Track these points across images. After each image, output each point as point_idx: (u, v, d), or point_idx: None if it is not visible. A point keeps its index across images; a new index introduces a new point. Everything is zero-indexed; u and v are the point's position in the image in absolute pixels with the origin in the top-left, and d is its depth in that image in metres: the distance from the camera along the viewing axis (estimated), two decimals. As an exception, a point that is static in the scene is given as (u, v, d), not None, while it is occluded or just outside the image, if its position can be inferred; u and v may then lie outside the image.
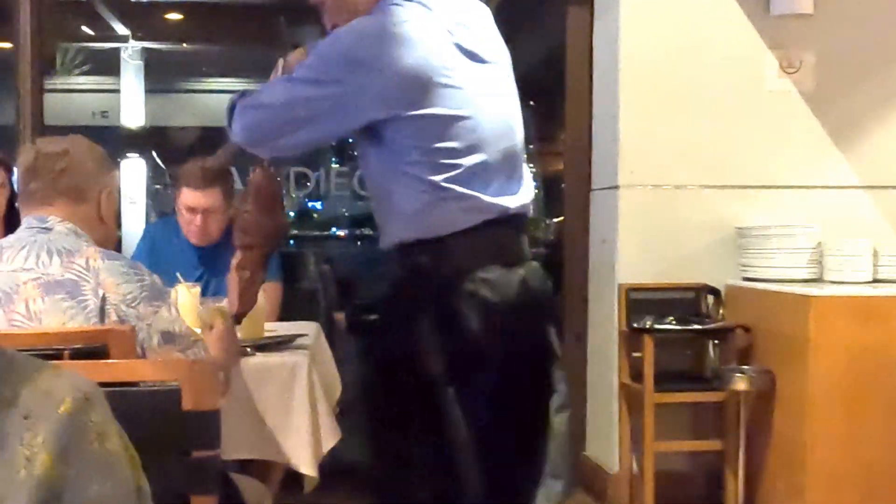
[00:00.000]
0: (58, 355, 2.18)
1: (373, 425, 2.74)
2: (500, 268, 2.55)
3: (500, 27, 2.73)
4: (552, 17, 5.38)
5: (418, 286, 2.59)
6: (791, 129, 4.72)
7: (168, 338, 2.56)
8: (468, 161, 2.53)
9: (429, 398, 2.54)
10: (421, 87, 2.51)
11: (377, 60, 2.51)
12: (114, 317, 2.48)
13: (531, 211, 2.71)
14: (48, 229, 2.60)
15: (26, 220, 2.65)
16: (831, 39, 4.69)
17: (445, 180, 2.51)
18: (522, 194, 2.64)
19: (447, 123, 2.53)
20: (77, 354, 2.21)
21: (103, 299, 2.48)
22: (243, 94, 2.75)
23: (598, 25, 4.95)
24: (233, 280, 3.09)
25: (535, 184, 12.39)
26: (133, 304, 2.52)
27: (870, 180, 4.75)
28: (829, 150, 4.73)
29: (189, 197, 4.16)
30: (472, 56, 2.62)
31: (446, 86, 2.53)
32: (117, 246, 7.74)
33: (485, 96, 2.60)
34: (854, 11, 4.71)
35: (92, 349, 2.24)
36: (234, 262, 2.93)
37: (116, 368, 2.07)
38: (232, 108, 2.71)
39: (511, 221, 2.61)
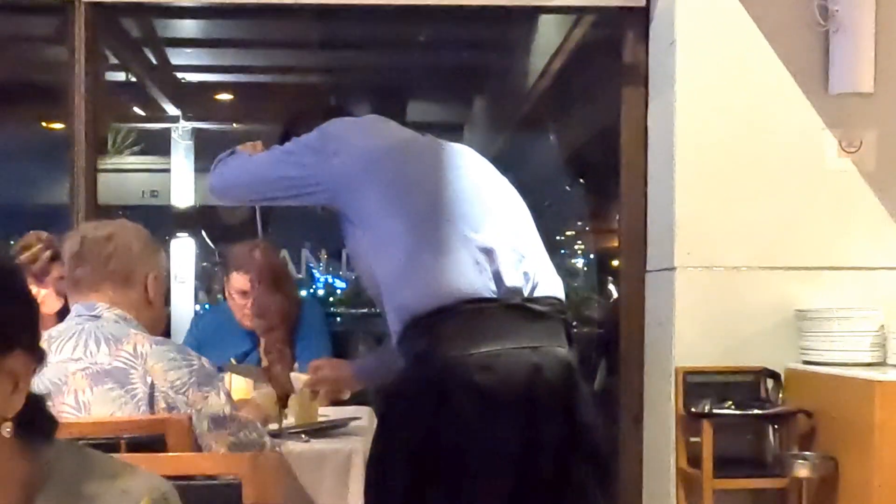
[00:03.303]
0: (114, 445, 2.14)
1: None
2: (503, 353, 2.47)
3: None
4: (607, 96, 5.37)
5: (413, 375, 2.52)
6: (851, 210, 4.64)
7: (218, 422, 2.52)
8: (439, 229, 2.51)
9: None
10: (386, 159, 2.58)
11: (344, 140, 2.63)
12: (162, 404, 2.45)
13: (555, 294, 2.63)
14: (97, 317, 2.58)
15: (75, 308, 2.63)
16: (892, 118, 4.62)
17: (418, 241, 2.49)
18: (526, 276, 2.57)
19: (410, 192, 2.54)
20: (133, 444, 2.17)
21: (152, 387, 2.45)
22: (233, 151, 2.89)
23: (654, 105, 4.91)
24: (264, 365, 3.07)
25: (585, 261, 12.28)
26: (182, 391, 2.49)
27: (934, 262, 4.66)
28: (890, 230, 4.64)
29: (240, 281, 4.15)
30: (452, 157, 2.69)
31: (414, 162, 2.59)
32: (166, 325, 7.73)
33: (465, 179, 2.63)
34: (916, 90, 4.65)
35: (149, 439, 2.20)
36: (261, 348, 2.93)
37: (177, 462, 2.03)
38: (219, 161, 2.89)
39: (517, 304, 2.53)
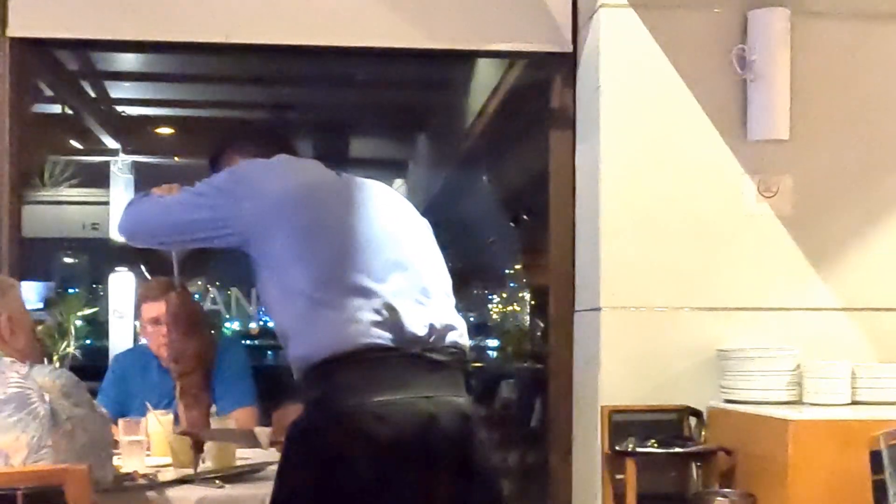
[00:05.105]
0: (11, 497, 2.14)
1: None
2: (398, 402, 2.46)
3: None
4: (541, 136, 5.42)
5: (309, 422, 2.51)
6: (770, 252, 4.75)
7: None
8: (341, 278, 2.52)
9: None
10: (295, 205, 2.59)
11: (254, 184, 2.62)
12: (63, 416, 2.51)
13: (457, 343, 2.64)
14: None
15: None
16: (807, 164, 4.76)
17: (321, 289, 2.50)
18: (429, 325, 2.56)
19: (316, 239, 2.56)
20: (31, 495, 2.17)
21: (51, 402, 2.51)
22: (146, 194, 2.89)
23: (581, 148, 5.00)
24: (180, 409, 3.06)
25: (532, 294, 12.18)
26: (68, 395, 2.59)
27: (848, 302, 4.78)
28: (807, 272, 4.76)
29: (150, 309, 4.18)
30: (366, 195, 2.71)
31: (324, 207, 2.61)
32: (104, 358, 7.66)
33: (374, 218, 2.66)
34: (828, 136, 4.79)
35: (46, 489, 2.21)
36: (176, 392, 2.93)
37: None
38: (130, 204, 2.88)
39: (416, 353, 2.53)
